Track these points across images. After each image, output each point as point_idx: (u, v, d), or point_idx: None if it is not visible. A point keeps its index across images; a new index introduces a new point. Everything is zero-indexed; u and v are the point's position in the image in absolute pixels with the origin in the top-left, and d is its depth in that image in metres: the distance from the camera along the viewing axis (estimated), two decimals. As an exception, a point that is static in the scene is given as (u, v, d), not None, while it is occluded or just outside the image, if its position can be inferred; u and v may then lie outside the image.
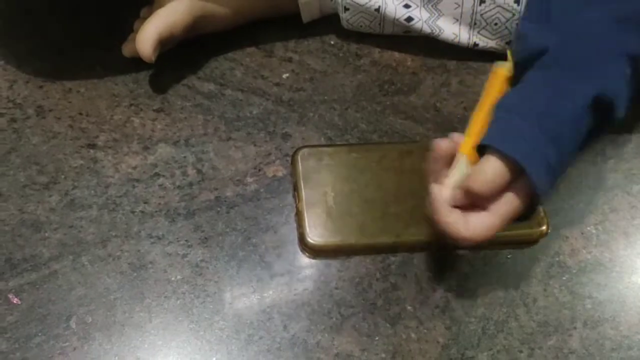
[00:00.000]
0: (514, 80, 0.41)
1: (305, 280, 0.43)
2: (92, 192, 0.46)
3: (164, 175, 0.48)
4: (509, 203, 0.38)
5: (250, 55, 0.56)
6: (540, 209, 0.46)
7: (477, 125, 0.40)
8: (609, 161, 0.51)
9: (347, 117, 0.52)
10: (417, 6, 0.54)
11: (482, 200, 0.38)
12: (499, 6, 0.53)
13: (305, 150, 0.48)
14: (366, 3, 0.54)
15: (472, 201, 0.38)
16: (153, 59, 0.50)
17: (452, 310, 0.43)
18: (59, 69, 0.54)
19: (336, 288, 0.43)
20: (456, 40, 0.55)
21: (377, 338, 0.41)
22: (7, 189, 0.46)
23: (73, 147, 0.49)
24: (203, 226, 0.45)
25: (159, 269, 0.43)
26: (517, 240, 0.46)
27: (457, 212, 0.38)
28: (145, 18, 0.53)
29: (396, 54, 0.57)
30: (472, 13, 0.54)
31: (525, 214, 0.39)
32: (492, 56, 0.56)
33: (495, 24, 0.54)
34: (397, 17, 0.54)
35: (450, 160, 0.40)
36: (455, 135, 0.41)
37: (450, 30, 0.55)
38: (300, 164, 0.47)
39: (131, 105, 0.52)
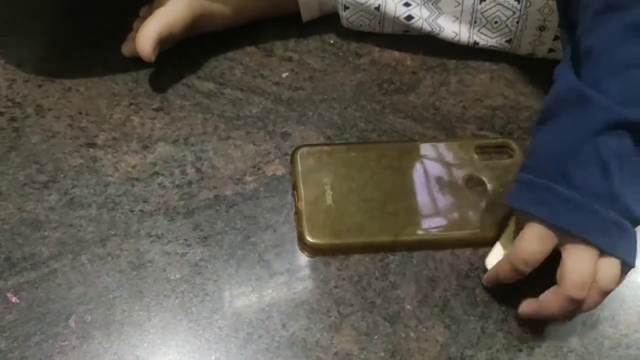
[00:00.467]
0: None
1: (304, 279, 0.43)
2: (92, 191, 0.47)
3: (163, 174, 0.48)
4: None
5: (249, 55, 0.56)
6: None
7: None
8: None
9: (346, 116, 0.52)
10: (417, 4, 0.54)
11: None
12: (499, 4, 0.53)
13: (304, 149, 0.48)
14: (366, 1, 0.54)
15: None
16: (153, 58, 0.50)
17: (451, 309, 0.43)
18: (58, 68, 0.54)
19: (335, 287, 0.43)
20: (456, 38, 0.55)
21: (376, 337, 0.41)
22: (6, 188, 0.46)
23: (72, 146, 0.49)
24: (202, 225, 0.45)
25: (158, 267, 0.43)
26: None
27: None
28: (144, 17, 0.53)
29: (396, 53, 0.57)
30: (473, 11, 0.54)
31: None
32: (492, 55, 0.57)
33: (496, 22, 0.54)
34: (397, 15, 0.54)
35: None
36: None
37: (451, 28, 0.55)
38: (299, 163, 0.47)
39: (131, 104, 0.52)
